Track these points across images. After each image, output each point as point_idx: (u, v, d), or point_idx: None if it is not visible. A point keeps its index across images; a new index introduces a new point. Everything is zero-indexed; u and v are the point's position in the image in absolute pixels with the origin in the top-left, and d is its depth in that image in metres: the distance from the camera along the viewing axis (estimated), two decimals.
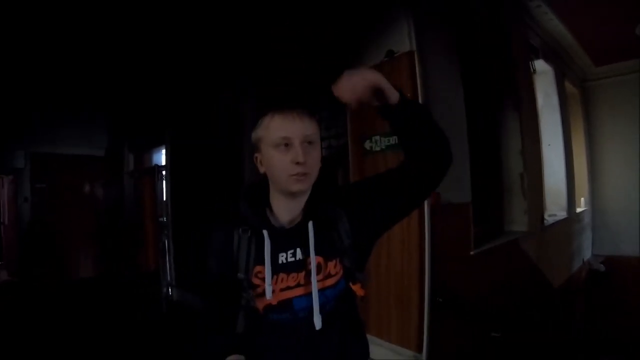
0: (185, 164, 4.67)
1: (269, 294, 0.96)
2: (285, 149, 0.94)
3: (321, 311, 0.99)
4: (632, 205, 5.95)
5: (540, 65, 4.84)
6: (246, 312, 1.00)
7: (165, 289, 4.57)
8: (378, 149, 2.89)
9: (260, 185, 1.04)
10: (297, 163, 0.93)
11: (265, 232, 0.99)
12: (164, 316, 4.35)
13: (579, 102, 6.40)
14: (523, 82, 4.28)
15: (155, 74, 4.59)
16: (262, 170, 1.01)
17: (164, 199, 4.84)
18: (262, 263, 0.98)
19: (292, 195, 0.98)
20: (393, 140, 2.80)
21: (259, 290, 0.98)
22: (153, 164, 5.33)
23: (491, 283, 3.31)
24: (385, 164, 2.85)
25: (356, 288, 1.02)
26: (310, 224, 0.99)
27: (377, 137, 2.88)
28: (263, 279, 0.98)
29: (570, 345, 3.39)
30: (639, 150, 5.79)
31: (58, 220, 5.79)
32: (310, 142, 0.96)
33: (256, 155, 1.02)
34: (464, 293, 2.98)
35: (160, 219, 4.85)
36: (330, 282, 1.00)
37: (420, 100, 2.70)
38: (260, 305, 0.99)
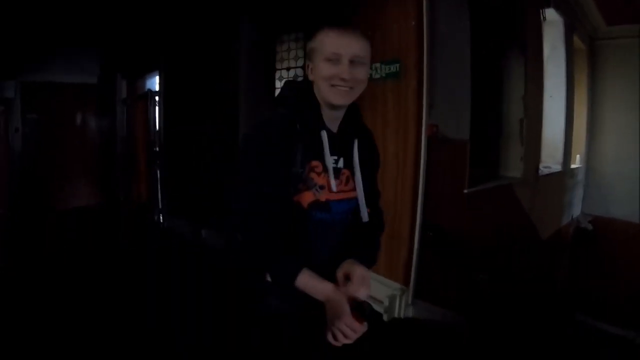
0: (179, 90, 4.54)
1: (334, 186, 1.05)
2: (333, 63, 0.99)
3: (347, 217, 1.12)
4: (626, 169, 5.95)
5: (550, 14, 4.65)
6: (291, 208, 1.03)
7: (156, 217, 4.59)
8: (378, 76, 2.82)
9: (308, 89, 1.08)
10: (342, 79, 0.98)
11: (323, 132, 1.05)
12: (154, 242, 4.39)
13: (586, 59, 6.23)
14: (532, 28, 4.14)
15: None
16: (311, 78, 1.07)
17: (157, 128, 4.75)
18: (318, 159, 1.04)
19: (334, 107, 1.04)
20: (394, 67, 2.73)
21: (310, 184, 1.04)
22: (146, 90, 5.17)
23: (481, 224, 3.33)
24: (384, 92, 2.80)
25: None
26: (356, 142, 1.11)
27: (378, 65, 2.80)
28: (318, 174, 1.05)
29: (550, 297, 3.48)
30: None
31: (50, 150, 5.70)
32: (358, 62, 1.00)
33: (308, 63, 1.08)
34: (454, 230, 3.00)
35: (154, 149, 4.78)
36: (353, 194, 1.12)
37: (425, 28, 2.62)
38: (305, 201, 1.03)
